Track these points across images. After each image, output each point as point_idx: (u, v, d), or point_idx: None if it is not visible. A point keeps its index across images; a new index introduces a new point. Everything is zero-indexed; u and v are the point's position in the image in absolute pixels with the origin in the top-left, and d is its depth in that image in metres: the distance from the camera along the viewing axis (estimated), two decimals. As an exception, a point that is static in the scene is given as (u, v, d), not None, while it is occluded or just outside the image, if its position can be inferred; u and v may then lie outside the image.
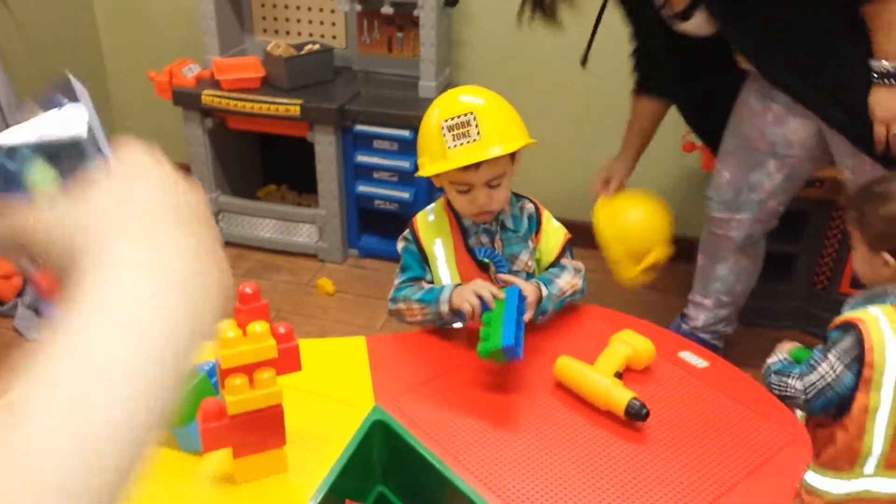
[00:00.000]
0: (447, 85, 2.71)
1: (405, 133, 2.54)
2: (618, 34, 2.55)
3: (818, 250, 2.39)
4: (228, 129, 2.76)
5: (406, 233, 1.45)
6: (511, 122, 1.30)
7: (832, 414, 1.38)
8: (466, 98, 1.30)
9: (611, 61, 2.60)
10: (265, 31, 2.89)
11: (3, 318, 2.45)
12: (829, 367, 1.35)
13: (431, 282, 1.44)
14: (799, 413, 1.41)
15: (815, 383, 1.35)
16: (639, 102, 2.11)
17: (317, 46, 2.68)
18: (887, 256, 1.38)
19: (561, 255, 1.41)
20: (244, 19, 2.87)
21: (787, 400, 1.35)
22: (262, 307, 0.99)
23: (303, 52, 2.66)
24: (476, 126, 1.25)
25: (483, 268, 1.39)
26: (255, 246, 2.87)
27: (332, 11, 2.78)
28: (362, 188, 2.69)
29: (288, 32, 2.86)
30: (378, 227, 2.83)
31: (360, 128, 2.59)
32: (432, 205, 1.46)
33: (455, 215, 1.40)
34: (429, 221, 1.44)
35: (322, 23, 2.81)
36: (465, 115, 1.26)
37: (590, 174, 2.85)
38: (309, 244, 2.82)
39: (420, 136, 1.34)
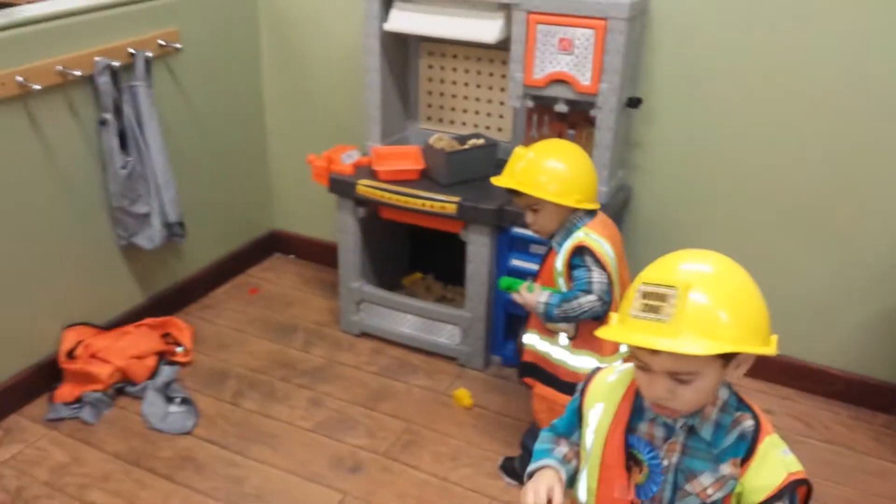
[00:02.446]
0: (618, 189, 2.46)
1: (567, 241, 2.30)
2: (811, 138, 2.23)
3: None
4: (380, 217, 2.64)
5: (583, 382, 1.23)
6: (733, 313, 1.01)
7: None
8: (685, 267, 1.04)
9: (797, 173, 2.30)
10: (429, 118, 2.76)
11: (132, 400, 2.39)
12: (598, 273, 1.78)
13: (576, 448, 1.19)
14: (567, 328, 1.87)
15: (603, 289, 1.77)
16: None
17: (481, 140, 2.51)
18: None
19: (775, 498, 1.05)
20: (409, 107, 2.76)
21: (584, 315, 1.78)
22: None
23: (466, 145, 2.49)
24: (673, 305, 0.99)
25: (632, 463, 1.11)
26: (393, 340, 2.71)
27: (501, 104, 2.61)
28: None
29: (452, 122, 2.72)
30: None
31: (517, 230, 2.38)
32: (628, 364, 1.20)
33: (638, 389, 1.14)
34: (606, 381, 1.20)
35: (489, 114, 2.65)
36: (668, 287, 1.00)
37: (770, 299, 2.49)
38: (449, 346, 2.61)
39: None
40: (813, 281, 2.38)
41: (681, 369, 1.02)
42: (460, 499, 2.07)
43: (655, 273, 1.04)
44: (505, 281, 2.00)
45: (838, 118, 2.21)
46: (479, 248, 2.42)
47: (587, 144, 2.43)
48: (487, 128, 2.67)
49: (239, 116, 3.01)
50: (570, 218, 1.85)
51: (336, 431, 2.30)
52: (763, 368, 2.51)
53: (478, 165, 2.49)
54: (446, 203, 2.37)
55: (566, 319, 1.84)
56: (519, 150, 1.87)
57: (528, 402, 2.09)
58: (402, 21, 2.47)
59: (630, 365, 1.18)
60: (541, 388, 1.99)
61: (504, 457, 2.18)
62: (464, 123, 2.71)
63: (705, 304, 0.99)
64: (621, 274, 1.88)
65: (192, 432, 2.27)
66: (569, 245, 1.83)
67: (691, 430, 1.09)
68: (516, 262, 2.41)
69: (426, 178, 2.51)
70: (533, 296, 1.88)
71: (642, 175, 2.53)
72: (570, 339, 1.89)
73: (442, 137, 2.51)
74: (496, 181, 1.90)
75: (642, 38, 2.35)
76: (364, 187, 2.49)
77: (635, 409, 1.13)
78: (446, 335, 2.61)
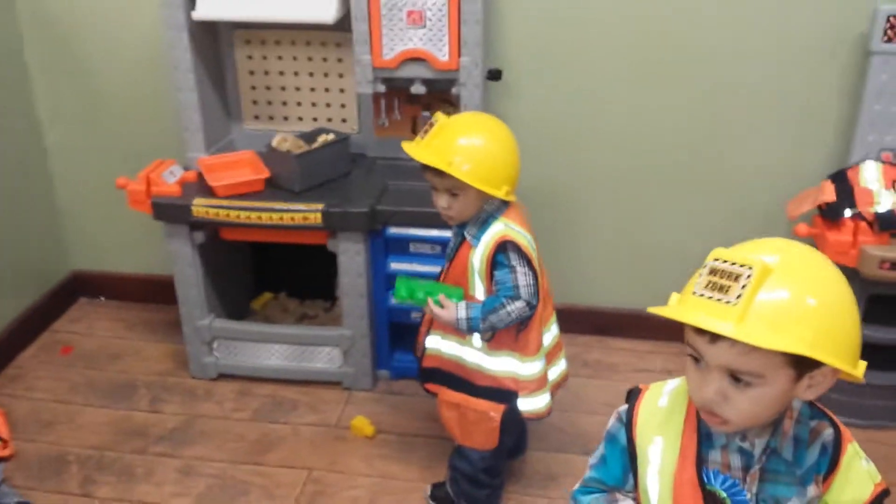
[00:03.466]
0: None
1: (448, 234, 2.08)
2: (675, 96, 2.20)
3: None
4: (220, 240, 2.25)
5: (622, 409, 1.02)
6: (816, 314, 0.85)
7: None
8: (771, 251, 0.88)
9: (664, 132, 2.27)
10: (256, 117, 2.40)
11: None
12: (524, 273, 1.60)
13: (633, 495, 1.00)
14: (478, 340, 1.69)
15: (530, 292, 1.60)
16: None
17: (331, 136, 2.21)
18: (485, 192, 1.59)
19: None
20: (231, 107, 2.37)
21: (512, 323, 1.61)
22: None
23: (315, 144, 2.18)
24: (744, 287, 0.83)
25: (710, 502, 0.94)
26: (261, 377, 2.35)
27: (341, 91, 2.31)
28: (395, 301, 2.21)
29: (286, 118, 2.38)
30: (411, 341, 2.34)
31: (393, 231, 2.12)
32: (675, 381, 1.01)
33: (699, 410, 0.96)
34: (658, 407, 1.00)
35: (328, 104, 2.34)
36: (743, 266, 0.84)
37: (644, 258, 2.49)
38: (330, 370, 2.31)
39: None
40: (693, 236, 2.38)
41: (741, 367, 0.86)
42: (394, 545, 1.82)
43: (732, 250, 0.87)
44: (404, 287, 1.71)
45: (704, 75, 2.19)
46: (352, 258, 2.13)
47: (448, 125, 2.23)
48: (329, 120, 2.36)
49: (9, 143, 2.43)
50: (486, 206, 1.64)
51: (225, 502, 1.94)
52: (650, 327, 2.49)
53: (332, 165, 2.20)
54: (308, 213, 2.05)
55: (493, 330, 1.65)
56: (443, 120, 1.62)
57: (436, 414, 1.87)
58: (214, 7, 2.08)
59: (679, 381, 1.00)
60: (449, 395, 1.78)
61: (431, 485, 1.95)
62: (300, 118, 2.38)
63: (784, 294, 0.83)
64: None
65: (46, 551, 1.80)
66: (489, 239, 1.63)
67: (771, 452, 0.94)
68: (396, 266, 2.16)
69: (273, 187, 2.16)
70: (449, 311, 1.65)
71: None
72: (486, 340, 1.70)
73: (286, 138, 2.17)
74: (414, 152, 1.61)
75: (491, 2, 2.17)
76: (202, 208, 2.09)
77: (702, 435, 0.95)
78: (324, 359, 2.30)
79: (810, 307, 0.84)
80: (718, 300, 0.83)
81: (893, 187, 1.95)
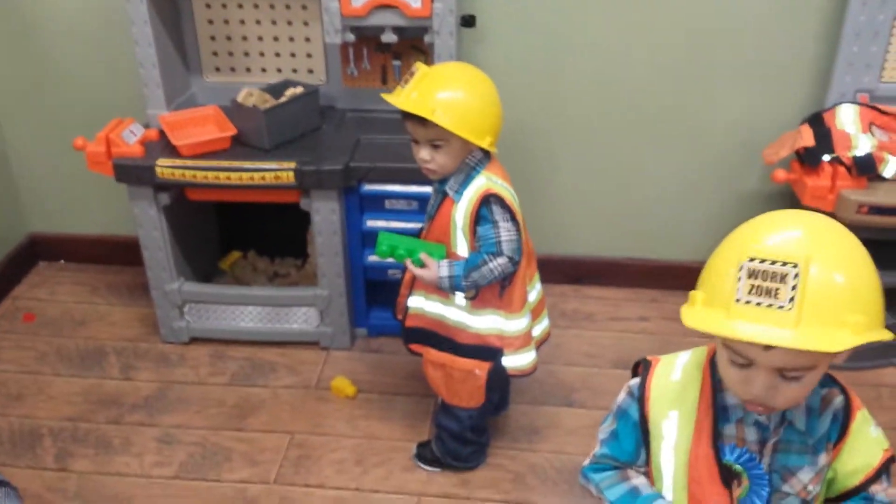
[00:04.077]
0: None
1: (425, 189, 2.03)
2: (649, 42, 2.16)
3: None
4: (186, 199, 2.17)
5: (634, 384, 1.00)
6: (859, 295, 0.82)
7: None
8: (795, 235, 0.83)
9: (639, 78, 2.23)
10: (217, 69, 2.28)
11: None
12: (507, 228, 1.57)
13: (644, 470, 0.99)
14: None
15: (513, 247, 1.57)
16: None
17: (299, 89, 2.11)
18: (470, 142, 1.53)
19: (873, 479, 0.94)
20: (190, 59, 2.25)
21: (495, 279, 1.58)
22: None
23: (283, 98, 2.09)
24: (795, 290, 0.78)
25: (726, 476, 0.94)
26: (236, 339, 2.30)
27: (307, 40, 2.21)
28: (373, 258, 2.16)
29: (248, 69, 2.27)
30: (387, 298, 2.31)
31: (368, 187, 2.06)
32: (687, 354, 0.98)
33: (714, 383, 0.94)
34: (671, 381, 0.97)
35: (293, 54, 2.24)
36: (786, 265, 0.79)
37: (619, 205, 2.47)
38: (307, 330, 2.27)
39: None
40: (663, 182, 2.37)
41: (797, 365, 0.83)
42: (384, 506, 1.82)
43: (763, 246, 0.81)
44: (385, 242, 1.66)
45: (680, 17, 2.14)
46: (326, 217, 2.07)
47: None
48: (294, 71, 2.26)
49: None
50: (468, 160, 1.59)
51: (207, 470, 1.90)
52: (625, 275, 2.50)
53: (301, 119, 2.11)
54: (280, 171, 1.98)
55: (476, 288, 1.62)
56: (424, 69, 1.55)
57: (420, 373, 1.86)
58: (168, -47, 1.95)
59: (691, 354, 0.98)
60: (434, 355, 1.76)
61: (416, 444, 1.94)
62: (263, 70, 2.27)
63: (833, 285, 0.79)
64: None
65: (26, 529, 1.75)
66: (473, 194, 1.58)
67: (786, 423, 0.93)
68: (371, 224, 2.11)
69: (241, 145, 2.08)
70: (431, 271, 1.62)
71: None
72: (470, 299, 1.67)
73: (252, 92, 2.07)
74: (396, 101, 1.53)
75: (461, -56, 2.07)
76: (167, 169, 2.00)
77: (717, 409, 0.93)
78: (300, 319, 2.26)
79: (859, 291, 0.81)
80: (769, 305, 0.78)
81: (870, 130, 1.94)
